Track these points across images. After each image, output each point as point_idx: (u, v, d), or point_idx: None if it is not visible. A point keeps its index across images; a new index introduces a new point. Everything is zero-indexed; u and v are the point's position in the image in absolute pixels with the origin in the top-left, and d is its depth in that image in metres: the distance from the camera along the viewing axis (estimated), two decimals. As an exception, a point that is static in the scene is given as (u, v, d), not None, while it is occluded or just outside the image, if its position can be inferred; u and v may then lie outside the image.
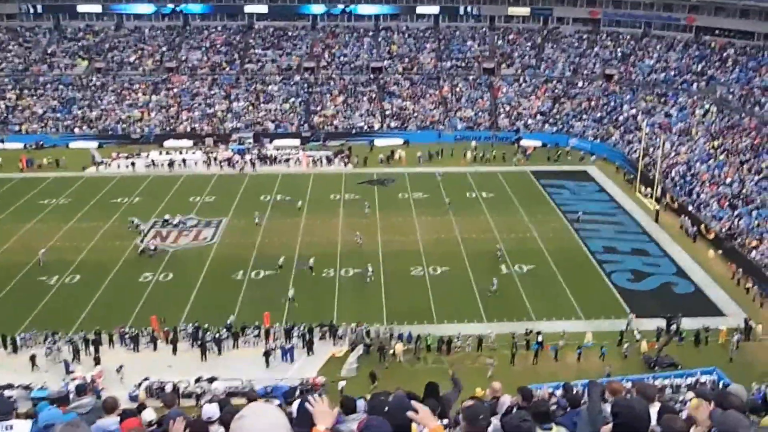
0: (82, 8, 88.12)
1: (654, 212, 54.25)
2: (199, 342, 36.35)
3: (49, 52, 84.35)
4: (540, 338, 36.62)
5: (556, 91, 79.49)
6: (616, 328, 38.33)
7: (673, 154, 61.24)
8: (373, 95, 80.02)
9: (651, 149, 61.04)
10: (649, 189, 56.43)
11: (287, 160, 67.41)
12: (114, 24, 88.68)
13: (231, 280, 44.11)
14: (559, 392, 17.43)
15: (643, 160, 59.11)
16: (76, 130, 74.64)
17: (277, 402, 17.47)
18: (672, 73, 75.31)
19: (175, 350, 36.43)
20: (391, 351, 36.20)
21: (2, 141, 72.54)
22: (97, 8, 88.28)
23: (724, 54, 73.68)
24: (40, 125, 74.73)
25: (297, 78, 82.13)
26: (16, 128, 74.43)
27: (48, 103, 77.76)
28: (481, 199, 58.27)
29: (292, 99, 79.15)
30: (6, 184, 61.90)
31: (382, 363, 35.63)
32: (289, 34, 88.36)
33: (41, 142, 71.73)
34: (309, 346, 36.66)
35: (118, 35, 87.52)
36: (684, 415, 7.92)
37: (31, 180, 62.72)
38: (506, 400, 10.61)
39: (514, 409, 9.07)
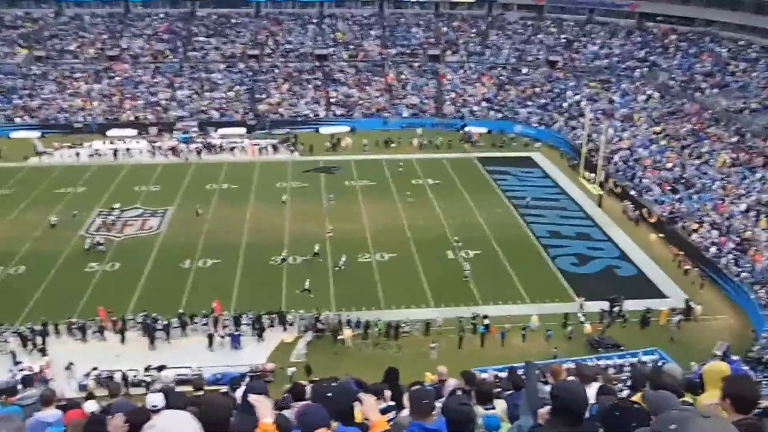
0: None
1: (597, 197, 55.06)
2: (149, 331, 35.92)
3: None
4: (486, 322, 36.97)
5: (501, 77, 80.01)
6: (560, 311, 38.91)
7: (616, 139, 62.20)
8: (318, 83, 79.45)
9: (594, 135, 61.91)
10: (592, 174, 57.24)
11: (233, 149, 66.50)
12: (53, 11, 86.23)
13: (179, 269, 43.51)
14: (503, 375, 17.59)
15: (586, 146, 59.91)
16: (17, 119, 72.49)
17: (224, 389, 17.23)
18: (615, 59, 76.46)
19: (123, 340, 36.02)
20: (340, 337, 36.25)
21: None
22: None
23: (666, 40, 75.07)
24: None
25: (241, 66, 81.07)
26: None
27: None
28: (427, 185, 58.39)
29: (237, 87, 78.10)
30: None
31: (333, 348, 35.65)
32: (233, 21, 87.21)
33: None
34: (260, 332, 36.47)
35: (58, 23, 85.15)
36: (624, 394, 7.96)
37: (-33, 170, 60.81)
38: (451, 383, 10.60)
39: (457, 392, 9.04)
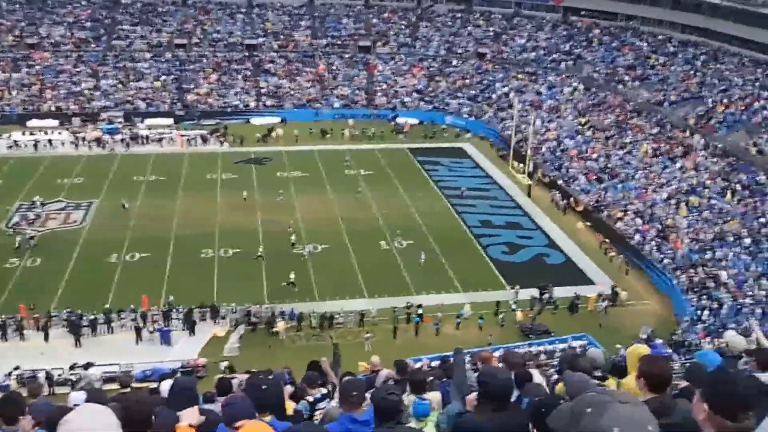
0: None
1: (526, 187, 56.14)
2: (74, 328, 35.03)
3: None
4: (420, 311, 37.39)
5: (432, 69, 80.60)
6: (492, 299, 39.61)
7: (543, 130, 63.48)
8: (248, 73, 78.56)
9: (523, 126, 63.01)
10: (521, 164, 58.29)
11: (160, 140, 65.16)
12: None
13: (105, 264, 42.56)
14: (436, 364, 17.85)
15: (515, 137, 60.98)
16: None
17: (153, 385, 16.96)
18: (542, 52, 77.85)
19: (47, 337, 34.95)
20: (274, 330, 36.14)
21: None
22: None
23: (590, 34, 76.78)
24: None
25: (168, 55, 79.33)
26: None
27: None
28: (359, 176, 58.51)
29: (164, 77, 76.48)
30: None
31: (266, 341, 35.53)
32: (159, 9, 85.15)
33: None
34: (191, 327, 36.04)
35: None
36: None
37: None
38: (384, 373, 10.74)
39: (389, 382, 9.18)
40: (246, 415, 4.96)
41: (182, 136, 66.01)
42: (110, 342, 35.28)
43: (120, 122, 68.64)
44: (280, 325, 36.13)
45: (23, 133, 64.96)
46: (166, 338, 35.30)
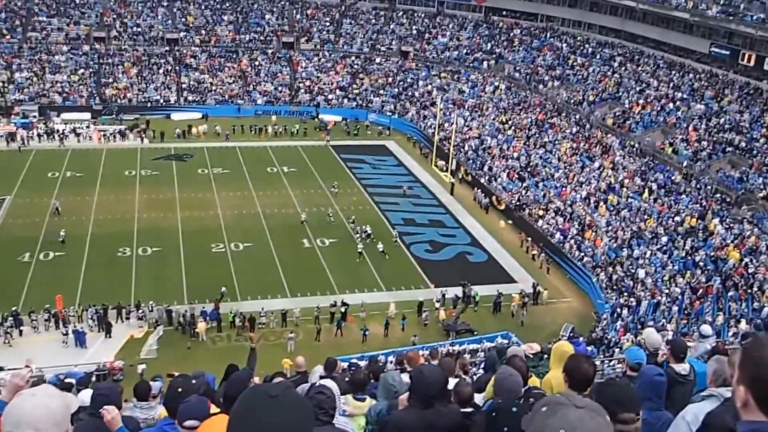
0: None
1: (449, 185, 56.47)
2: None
3: None
4: (344, 310, 37.07)
5: (355, 66, 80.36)
6: (416, 297, 39.58)
7: (466, 129, 63.98)
8: (169, 68, 76.69)
9: (445, 124, 63.37)
10: (444, 162, 58.63)
11: (77, 135, 62.89)
12: None
13: (17, 263, 40.75)
14: (363, 363, 17.59)
15: (438, 135, 61.29)
16: None
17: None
18: (464, 51, 78.53)
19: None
20: (195, 330, 35.25)
21: None
22: None
23: (511, 34, 77.86)
24: None
25: (86, 48, 76.58)
26: None
27: None
28: (282, 173, 57.82)
29: (82, 70, 73.83)
30: None
31: (186, 343, 34.65)
32: (77, 1, 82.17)
33: None
34: (107, 328, 34.81)
35: None
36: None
37: None
38: (318, 370, 10.47)
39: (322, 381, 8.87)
40: (200, 414, 4.78)
41: (99, 131, 63.88)
42: (22, 344, 33.62)
43: (34, 116, 65.91)
44: (201, 326, 35.26)
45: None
46: (81, 340, 33.99)
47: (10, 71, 71.67)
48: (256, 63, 79.49)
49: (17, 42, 75.45)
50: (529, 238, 47.32)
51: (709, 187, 43.83)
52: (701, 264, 37.44)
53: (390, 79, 78.08)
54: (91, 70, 74.36)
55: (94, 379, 28.43)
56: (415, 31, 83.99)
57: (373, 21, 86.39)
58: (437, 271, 43.05)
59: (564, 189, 50.55)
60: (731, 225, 39.45)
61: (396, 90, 76.39)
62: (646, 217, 43.69)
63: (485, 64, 74.90)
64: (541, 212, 48.83)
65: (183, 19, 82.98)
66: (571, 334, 31.84)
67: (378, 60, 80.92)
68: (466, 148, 61.28)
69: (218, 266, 41.80)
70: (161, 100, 72.34)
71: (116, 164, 57.72)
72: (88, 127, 64.93)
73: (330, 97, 75.98)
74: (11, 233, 44.68)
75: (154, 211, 48.73)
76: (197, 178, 55.92)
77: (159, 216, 47.88)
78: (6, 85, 70.06)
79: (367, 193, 55.02)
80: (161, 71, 76.04)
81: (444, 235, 48.90)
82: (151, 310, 36.18)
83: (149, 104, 71.59)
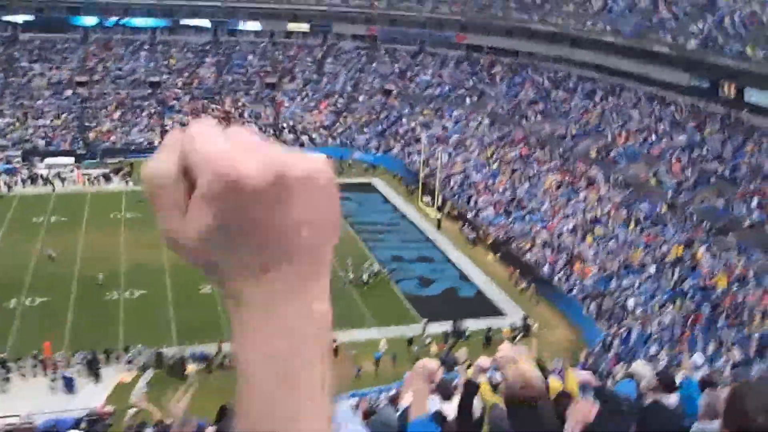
0: None
1: (436, 220, 56.59)
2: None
3: None
4: (335, 345, 36.74)
5: (339, 105, 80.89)
6: (406, 333, 39.41)
7: (450, 164, 64.34)
8: (153, 110, 76.88)
9: (430, 160, 63.72)
10: (430, 198, 58.82)
11: (61, 179, 62.62)
12: None
13: (2, 309, 40.20)
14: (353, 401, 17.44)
15: (423, 171, 61.55)
16: None
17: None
18: (446, 88, 79.32)
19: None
20: (184, 372, 34.84)
21: None
22: None
23: (493, 70, 78.80)
24: None
25: (69, 92, 76.73)
26: None
27: None
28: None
29: (65, 114, 73.81)
30: None
31: (176, 384, 34.14)
32: (59, 46, 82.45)
33: None
34: (95, 373, 34.36)
35: None
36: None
37: None
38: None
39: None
40: None
41: (83, 175, 63.74)
42: (11, 391, 33.20)
43: (17, 162, 65.59)
44: (190, 368, 34.88)
45: None
46: (69, 385, 33.49)
47: None
48: (239, 104, 79.84)
49: (0, 88, 75.45)
50: (517, 271, 47.36)
51: (694, 217, 44.24)
52: (690, 293, 37.64)
53: (373, 117, 78.62)
54: (74, 114, 74.32)
55: (84, 425, 28.09)
56: (397, 69, 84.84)
57: (356, 60, 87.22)
58: (426, 307, 42.91)
59: (550, 222, 50.82)
60: (718, 253, 39.76)
61: (380, 127, 76.89)
62: (633, 247, 43.94)
63: (468, 100, 75.65)
64: (528, 245, 48.98)
65: (165, 62, 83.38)
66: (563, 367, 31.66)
67: (361, 98, 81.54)
68: (452, 183, 61.58)
69: (206, 306, 41.38)
70: (145, 143, 72.19)
71: (101, 207, 57.35)
72: (72, 171, 64.56)
73: (314, 135, 76.31)
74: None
75: (140, 253, 48.19)
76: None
77: (145, 258, 47.39)
78: None
79: (354, 230, 54.96)
80: (144, 114, 76.17)
81: (433, 270, 48.86)
82: (140, 353, 35.79)
83: (133, 147, 71.32)
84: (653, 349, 33.76)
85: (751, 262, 37.99)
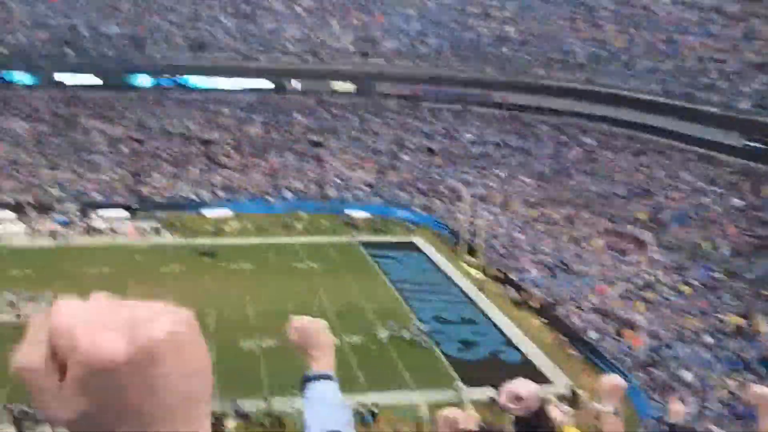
0: None
1: (479, 281, 55.37)
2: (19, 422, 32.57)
3: None
4: (376, 410, 35.70)
5: (382, 163, 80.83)
6: (446, 398, 38.05)
7: (494, 224, 63.30)
8: (202, 166, 78.26)
9: (473, 220, 62.79)
10: (473, 259, 57.74)
11: (115, 232, 64.46)
12: None
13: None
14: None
15: (466, 231, 60.63)
16: None
17: None
18: (490, 147, 78.80)
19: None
20: (223, 428, 33.98)
21: None
22: None
23: (537, 130, 78.18)
24: None
25: (124, 148, 79.13)
26: None
27: None
28: (310, 269, 57.30)
29: (120, 169, 76.05)
30: None
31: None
32: (116, 104, 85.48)
33: None
34: None
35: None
36: None
37: None
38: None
39: None
40: None
41: (136, 227, 65.35)
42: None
43: (74, 214, 67.47)
44: (230, 425, 34.02)
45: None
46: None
47: (54, 170, 74.01)
48: (285, 161, 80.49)
49: (60, 143, 78.41)
50: (564, 337, 45.78)
51: (753, 284, 42.45)
52: (750, 365, 35.78)
53: (416, 175, 78.24)
54: (128, 169, 76.30)
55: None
56: (440, 128, 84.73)
57: (400, 118, 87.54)
58: (469, 371, 41.54)
59: (598, 285, 49.28)
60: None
61: (422, 186, 76.39)
62: (686, 315, 42.19)
63: (512, 159, 74.95)
64: (575, 309, 47.43)
65: (216, 119, 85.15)
66: None
67: (404, 156, 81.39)
68: (496, 243, 60.44)
69: (248, 361, 40.84)
70: (194, 198, 73.59)
71: (151, 260, 58.21)
72: (125, 223, 66.37)
73: (357, 193, 76.17)
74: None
75: (186, 305, 47.70)
76: (227, 272, 55.83)
77: (191, 311, 46.92)
78: (49, 184, 72.24)
79: (395, 289, 54.11)
80: (194, 170, 77.57)
81: (475, 333, 47.56)
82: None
83: (183, 202, 72.89)
84: (711, 426, 31.90)
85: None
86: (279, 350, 42.87)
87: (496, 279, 56.28)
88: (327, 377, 3.48)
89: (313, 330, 3.68)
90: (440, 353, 44.06)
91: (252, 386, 38.19)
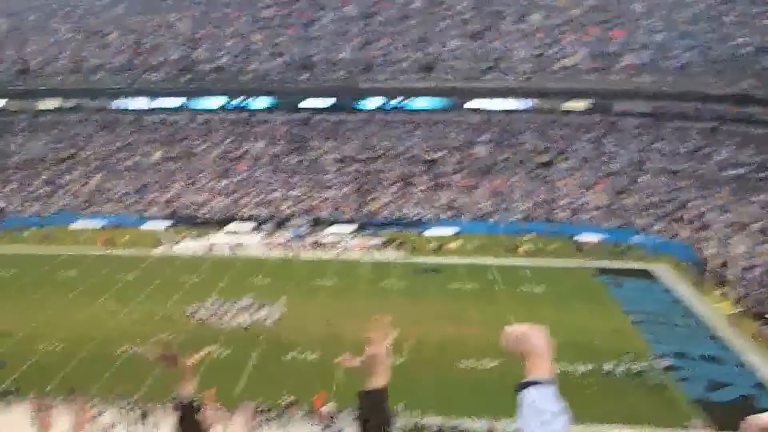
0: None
1: (730, 316, 49.07)
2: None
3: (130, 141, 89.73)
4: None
5: (617, 185, 75.61)
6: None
7: (751, 254, 56.13)
8: (427, 185, 78.13)
9: (725, 248, 56.12)
10: (722, 292, 51.47)
11: (341, 246, 67.23)
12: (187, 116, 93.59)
13: (281, 361, 42.75)
14: None
15: (715, 260, 54.25)
16: (148, 212, 77.93)
17: None
18: (748, 169, 70.97)
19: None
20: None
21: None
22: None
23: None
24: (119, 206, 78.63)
25: (352, 168, 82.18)
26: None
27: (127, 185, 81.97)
28: (535, 293, 54.34)
29: (347, 188, 78.95)
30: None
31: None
32: (345, 127, 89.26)
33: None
34: None
35: (189, 126, 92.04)
36: None
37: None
38: None
39: None
40: None
41: (361, 244, 67.50)
42: None
43: (306, 229, 71.90)
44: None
45: (221, 236, 70.64)
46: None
47: (288, 188, 79.54)
48: (512, 181, 78.04)
49: (294, 163, 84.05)
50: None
51: None
52: None
53: (657, 199, 72.14)
54: (355, 187, 78.83)
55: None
56: (686, 148, 77.79)
57: (639, 138, 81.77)
58: (716, 413, 36.27)
59: None
60: None
61: (664, 210, 70.20)
62: None
63: (774, 184, 66.81)
64: None
65: (441, 140, 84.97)
66: None
67: (643, 179, 75.58)
68: (751, 276, 53.45)
69: (466, 381, 39.48)
70: (418, 217, 73.91)
71: (375, 276, 59.47)
72: (351, 239, 69.23)
73: (589, 216, 71.73)
74: (279, 334, 46.77)
75: (413, 324, 46.36)
76: (449, 292, 55.01)
77: (417, 330, 45.42)
78: (283, 200, 77.82)
79: (629, 319, 49.45)
80: (419, 189, 77.65)
81: (723, 373, 41.82)
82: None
83: (406, 220, 73.81)
84: None
85: None
86: (495, 372, 40.39)
87: (749, 314, 49.59)
88: (541, 383, 3.45)
89: (529, 336, 3.61)
90: (681, 391, 39.11)
91: (471, 406, 36.12)
